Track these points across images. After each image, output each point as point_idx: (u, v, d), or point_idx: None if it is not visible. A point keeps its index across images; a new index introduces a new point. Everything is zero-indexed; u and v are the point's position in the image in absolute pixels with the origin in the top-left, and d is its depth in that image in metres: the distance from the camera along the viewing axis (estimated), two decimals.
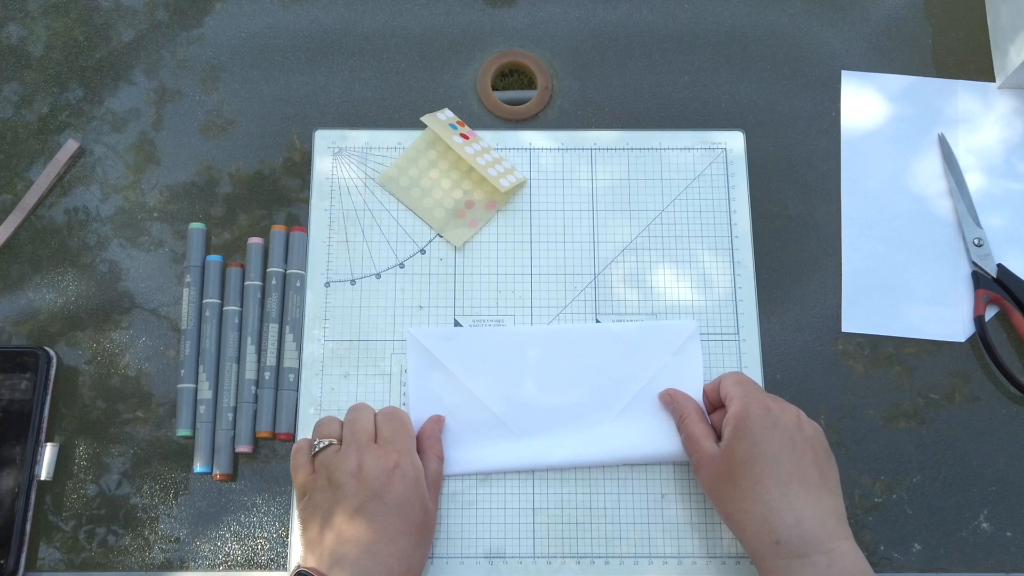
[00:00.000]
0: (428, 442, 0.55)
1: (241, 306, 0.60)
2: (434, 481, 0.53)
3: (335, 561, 0.47)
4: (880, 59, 0.66)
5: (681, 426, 0.55)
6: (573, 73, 0.66)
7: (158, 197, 0.62)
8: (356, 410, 0.54)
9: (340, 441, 0.52)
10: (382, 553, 0.48)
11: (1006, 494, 0.57)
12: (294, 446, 0.54)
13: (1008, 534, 0.56)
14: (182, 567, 0.55)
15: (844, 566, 0.45)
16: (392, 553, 0.48)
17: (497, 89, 0.66)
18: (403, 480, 0.50)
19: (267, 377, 0.58)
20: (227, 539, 0.56)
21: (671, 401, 0.56)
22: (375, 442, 0.52)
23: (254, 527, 0.56)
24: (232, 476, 0.57)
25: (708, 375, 0.58)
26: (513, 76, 0.68)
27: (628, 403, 0.57)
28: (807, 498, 0.47)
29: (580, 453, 0.56)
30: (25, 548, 0.55)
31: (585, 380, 0.58)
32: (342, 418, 0.55)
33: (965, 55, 0.66)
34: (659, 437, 0.56)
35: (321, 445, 0.52)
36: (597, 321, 0.59)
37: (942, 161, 0.64)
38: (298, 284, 0.60)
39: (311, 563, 0.48)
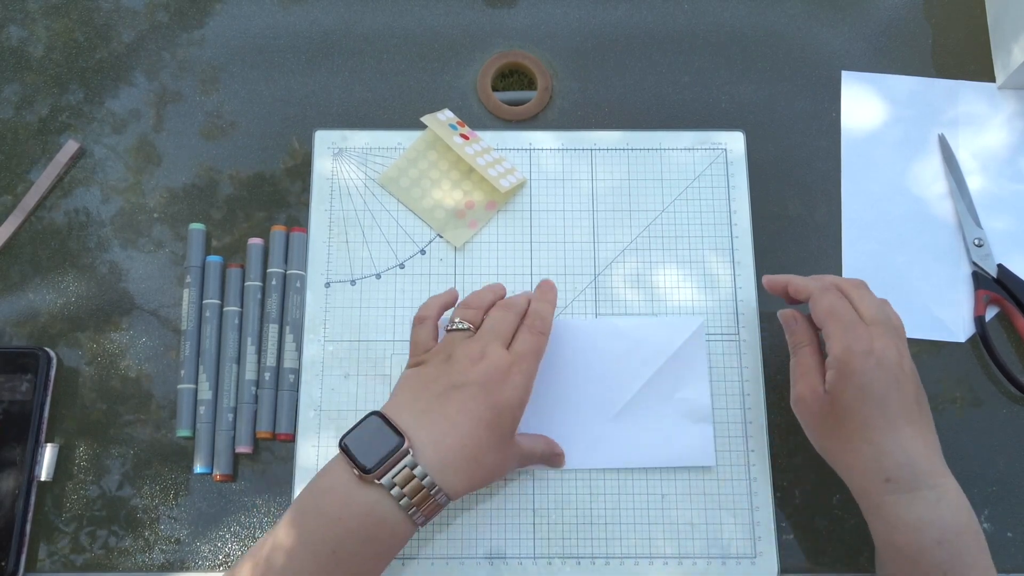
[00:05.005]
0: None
1: (241, 307, 0.60)
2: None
3: (417, 423, 0.47)
4: (880, 59, 0.66)
5: (795, 351, 0.53)
6: (573, 73, 0.66)
7: (158, 198, 0.62)
8: (506, 307, 0.53)
9: (476, 329, 0.51)
10: (463, 435, 0.47)
11: (1006, 494, 0.57)
12: (432, 303, 0.54)
13: (1008, 534, 0.56)
14: (183, 568, 0.55)
15: (951, 500, 0.47)
16: (472, 438, 0.47)
17: (497, 90, 0.66)
18: (513, 390, 0.49)
19: (267, 378, 0.58)
20: (227, 540, 0.56)
21: (793, 324, 0.54)
22: (507, 347, 0.50)
23: (254, 528, 0.56)
24: (232, 477, 0.57)
25: (710, 375, 0.58)
26: (513, 76, 0.68)
27: (631, 399, 0.57)
28: (914, 435, 0.48)
29: (582, 457, 0.56)
30: (25, 549, 0.55)
31: (588, 375, 0.57)
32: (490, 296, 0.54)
33: (965, 55, 0.66)
34: (661, 439, 0.56)
35: (460, 327, 0.51)
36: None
37: (942, 161, 0.64)
38: (298, 285, 0.60)
39: (392, 413, 0.48)
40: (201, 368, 0.58)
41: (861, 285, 0.52)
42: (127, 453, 0.57)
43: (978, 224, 0.62)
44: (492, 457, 0.49)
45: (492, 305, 0.54)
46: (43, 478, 0.56)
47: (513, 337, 0.51)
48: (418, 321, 0.54)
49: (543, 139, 0.64)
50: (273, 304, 0.59)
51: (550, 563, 0.55)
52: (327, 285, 0.60)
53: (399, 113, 0.64)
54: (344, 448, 0.46)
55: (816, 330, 0.53)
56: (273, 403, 0.58)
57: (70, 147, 0.63)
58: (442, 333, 0.54)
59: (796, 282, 0.53)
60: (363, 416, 0.48)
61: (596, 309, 0.60)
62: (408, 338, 0.59)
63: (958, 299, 0.61)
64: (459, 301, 0.56)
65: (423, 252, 0.61)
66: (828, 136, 0.64)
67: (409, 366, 0.52)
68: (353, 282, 0.60)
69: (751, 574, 0.55)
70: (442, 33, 0.66)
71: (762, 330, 0.59)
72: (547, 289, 0.56)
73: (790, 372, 0.53)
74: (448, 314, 0.56)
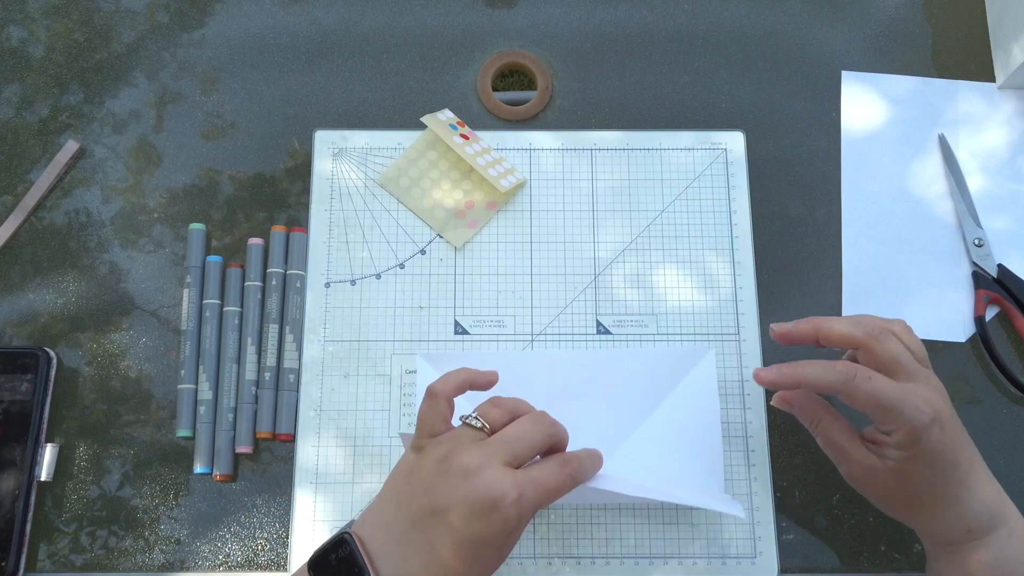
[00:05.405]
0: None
1: (241, 307, 0.60)
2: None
3: (387, 555, 0.42)
4: (880, 59, 0.66)
5: (815, 429, 0.51)
6: (573, 73, 0.66)
7: (158, 199, 0.62)
8: (539, 421, 0.44)
9: (492, 432, 0.44)
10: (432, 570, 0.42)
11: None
12: (451, 377, 0.46)
13: None
14: (183, 568, 0.55)
15: (1020, 534, 0.47)
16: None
17: (497, 90, 0.66)
18: (501, 526, 0.41)
19: (267, 378, 0.58)
20: (227, 540, 0.56)
21: (796, 407, 0.52)
22: (518, 467, 0.43)
23: (254, 528, 0.56)
24: (232, 477, 0.57)
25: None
26: (513, 76, 0.68)
27: (640, 430, 0.56)
28: (983, 481, 0.48)
29: (589, 493, 0.54)
30: (25, 549, 0.55)
31: (597, 406, 0.56)
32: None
33: (965, 55, 0.66)
34: (672, 471, 0.55)
35: (473, 423, 0.44)
36: (598, 322, 0.59)
37: (942, 161, 0.64)
38: (298, 285, 0.60)
39: (367, 534, 0.43)
40: (201, 368, 0.58)
41: (872, 330, 0.48)
42: (127, 453, 0.57)
43: (978, 224, 0.62)
44: None
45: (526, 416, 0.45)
46: (43, 478, 0.56)
47: (533, 464, 0.44)
48: (429, 395, 0.46)
49: (543, 139, 0.64)
50: (273, 304, 0.59)
51: (550, 563, 0.55)
52: (327, 285, 0.60)
53: (399, 113, 0.64)
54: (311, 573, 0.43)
55: (822, 394, 0.51)
56: (273, 403, 0.58)
57: (70, 147, 0.63)
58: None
59: (829, 332, 0.49)
60: (336, 533, 0.43)
61: (596, 309, 0.60)
62: (407, 338, 0.59)
63: (958, 299, 0.61)
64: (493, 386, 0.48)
65: (423, 252, 0.61)
66: (828, 136, 0.64)
67: (411, 447, 0.46)
68: (353, 282, 0.60)
69: (751, 574, 0.55)
70: (442, 33, 0.67)
71: (762, 330, 0.59)
72: (598, 457, 0.47)
73: (824, 450, 0.51)
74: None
